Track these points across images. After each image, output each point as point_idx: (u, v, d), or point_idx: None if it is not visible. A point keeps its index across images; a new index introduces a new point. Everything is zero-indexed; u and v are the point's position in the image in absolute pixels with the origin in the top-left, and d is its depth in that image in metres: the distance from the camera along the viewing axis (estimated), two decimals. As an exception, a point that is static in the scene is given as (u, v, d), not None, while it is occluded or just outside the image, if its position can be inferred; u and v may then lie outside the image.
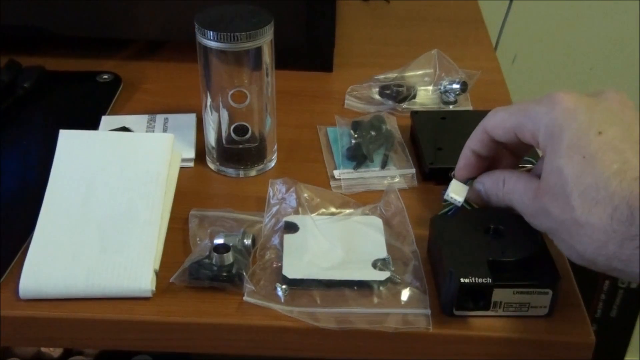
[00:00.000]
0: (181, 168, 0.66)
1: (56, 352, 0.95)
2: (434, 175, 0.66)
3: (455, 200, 0.58)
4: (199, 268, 0.54)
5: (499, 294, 0.51)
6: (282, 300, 0.53)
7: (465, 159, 0.58)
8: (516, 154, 0.58)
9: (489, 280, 0.50)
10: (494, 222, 0.55)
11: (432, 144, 0.69)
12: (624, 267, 0.45)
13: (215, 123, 0.66)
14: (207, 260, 0.54)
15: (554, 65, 1.25)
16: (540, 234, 0.54)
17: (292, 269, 0.55)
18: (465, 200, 0.59)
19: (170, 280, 0.54)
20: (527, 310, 0.52)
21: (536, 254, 0.52)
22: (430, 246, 0.57)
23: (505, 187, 0.54)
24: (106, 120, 0.73)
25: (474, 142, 0.57)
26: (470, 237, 0.54)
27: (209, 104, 0.65)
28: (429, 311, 0.52)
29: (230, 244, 0.55)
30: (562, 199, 0.47)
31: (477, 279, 0.50)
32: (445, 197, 0.59)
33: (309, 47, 0.82)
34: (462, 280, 0.50)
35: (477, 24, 0.98)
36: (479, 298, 0.51)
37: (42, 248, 0.56)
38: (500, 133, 0.54)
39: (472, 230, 0.54)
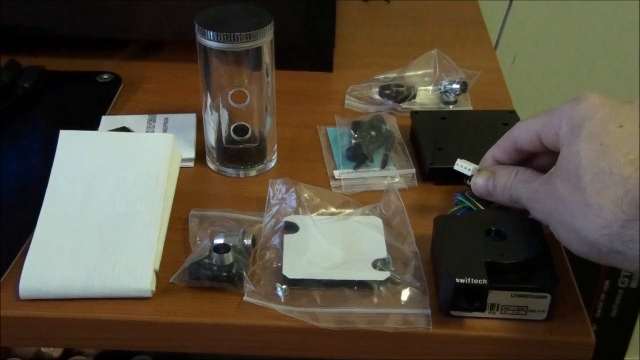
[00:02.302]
0: (181, 168, 0.66)
1: (56, 352, 0.95)
2: (434, 175, 0.66)
3: (465, 168, 0.60)
4: (199, 268, 0.54)
5: (496, 296, 0.51)
6: (282, 300, 0.53)
7: (484, 163, 0.60)
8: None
9: (484, 281, 0.50)
10: (497, 224, 0.55)
11: (432, 144, 0.69)
12: (624, 249, 0.46)
13: (215, 123, 0.66)
14: (207, 260, 0.54)
15: (554, 65, 1.25)
16: (543, 237, 0.54)
17: (292, 269, 0.55)
18: (472, 202, 0.60)
19: (170, 280, 0.54)
20: (526, 314, 0.52)
21: (537, 258, 0.52)
22: (432, 246, 0.57)
23: (517, 177, 0.56)
24: (106, 120, 0.73)
25: (498, 149, 0.59)
26: (471, 238, 0.54)
27: (209, 104, 0.65)
28: (429, 311, 0.52)
29: (230, 244, 0.55)
30: (574, 180, 0.48)
31: (472, 279, 0.50)
32: (455, 166, 0.61)
33: (309, 47, 0.82)
34: (457, 280, 0.50)
35: (477, 24, 0.98)
36: (474, 299, 0.51)
37: (42, 248, 0.56)
38: (523, 137, 0.56)
39: (474, 232, 0.54)
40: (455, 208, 0.61)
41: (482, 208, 0.60)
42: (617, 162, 0.46)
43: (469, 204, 0.60)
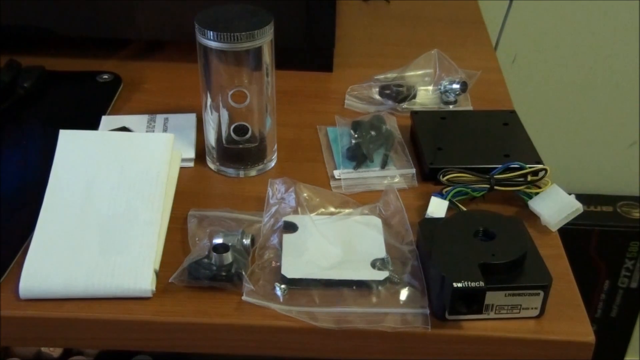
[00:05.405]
0: (181, 168, 0.66)
1: (56, 352, 0.95)
2: (434, 175, 0.66)
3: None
4: (198, 268, 0.54)
5: (490, 297, 0.51)
6: (281, 299, 0.53)
7: None
8: None
9: (482, 284, 0.50)
10: (483, 224, 0.55)
11: (432, 144, 0.69)
12: None
13: (215, 123, 0.66)
14: (206, 260, 0.54)
15: (554, 65, 1.25)
16: (529, 236, 0.54)
17: (291, 269, 0.55)
18: (453, 202, 0.61)
19: (170, 280, 0.54)
20: (519, 312, 0.52)
21: (526, 256, 0.52)
22: (419, 248, 0.57)
23: None
24: (106, 120, 0.73)
25: None
26: (460, 240, 0.54)
27: (209, 104, 0.65)
28: (427, 311, 0.52)
29: (229, 244, 0.55)
30: None
31: (470, 283, 0.49)
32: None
33: (309, 47, 0.82)
34: (455, 285, 0.49)
35: (477, 24, 0.98)
36: (472, 302, 0.51)
37: (42, 248, 0.56)
38: None
39: (462, 233, 0.54)
40: (450, 194, 0.61)
41: (463, 208, 0.60)
42: None
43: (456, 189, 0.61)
